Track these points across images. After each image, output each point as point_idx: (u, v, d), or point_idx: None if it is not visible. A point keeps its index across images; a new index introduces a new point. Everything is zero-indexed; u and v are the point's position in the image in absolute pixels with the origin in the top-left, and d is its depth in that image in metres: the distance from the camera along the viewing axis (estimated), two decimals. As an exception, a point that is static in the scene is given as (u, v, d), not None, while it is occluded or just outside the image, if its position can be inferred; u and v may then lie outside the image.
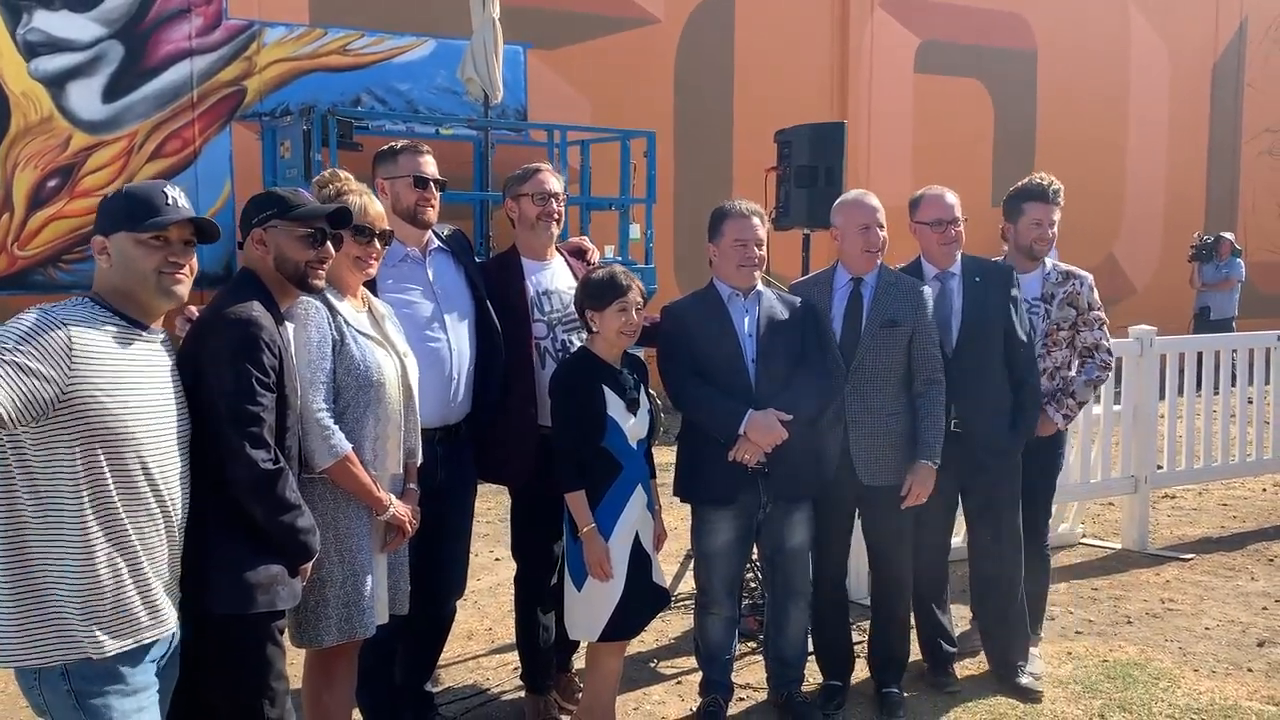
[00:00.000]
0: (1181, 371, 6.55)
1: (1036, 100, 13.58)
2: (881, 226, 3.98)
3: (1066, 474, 5.99)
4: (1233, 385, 7.05)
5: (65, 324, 2.25)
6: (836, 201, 4.16)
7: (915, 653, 4.38)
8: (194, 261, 2.45)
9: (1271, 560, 6.10)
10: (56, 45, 8.38)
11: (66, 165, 8.46)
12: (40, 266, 8.41)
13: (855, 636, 4.36)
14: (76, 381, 2.22)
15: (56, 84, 8.41)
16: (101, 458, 2.27)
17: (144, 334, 2.42)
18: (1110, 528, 6.65)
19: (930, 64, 12.73)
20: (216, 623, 2.61)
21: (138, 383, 2.35)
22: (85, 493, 2.25)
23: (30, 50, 8.30)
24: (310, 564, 2.79)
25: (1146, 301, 13.33)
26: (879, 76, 12.36)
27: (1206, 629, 5.00)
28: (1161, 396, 6.43)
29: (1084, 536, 6.44)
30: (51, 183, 8.39)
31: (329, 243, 2.81)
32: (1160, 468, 6.50)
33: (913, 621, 4.36)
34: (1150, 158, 14.62)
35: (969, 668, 4.46)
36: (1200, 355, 6.72)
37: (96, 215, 2.45)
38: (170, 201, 2.42)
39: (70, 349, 2.22)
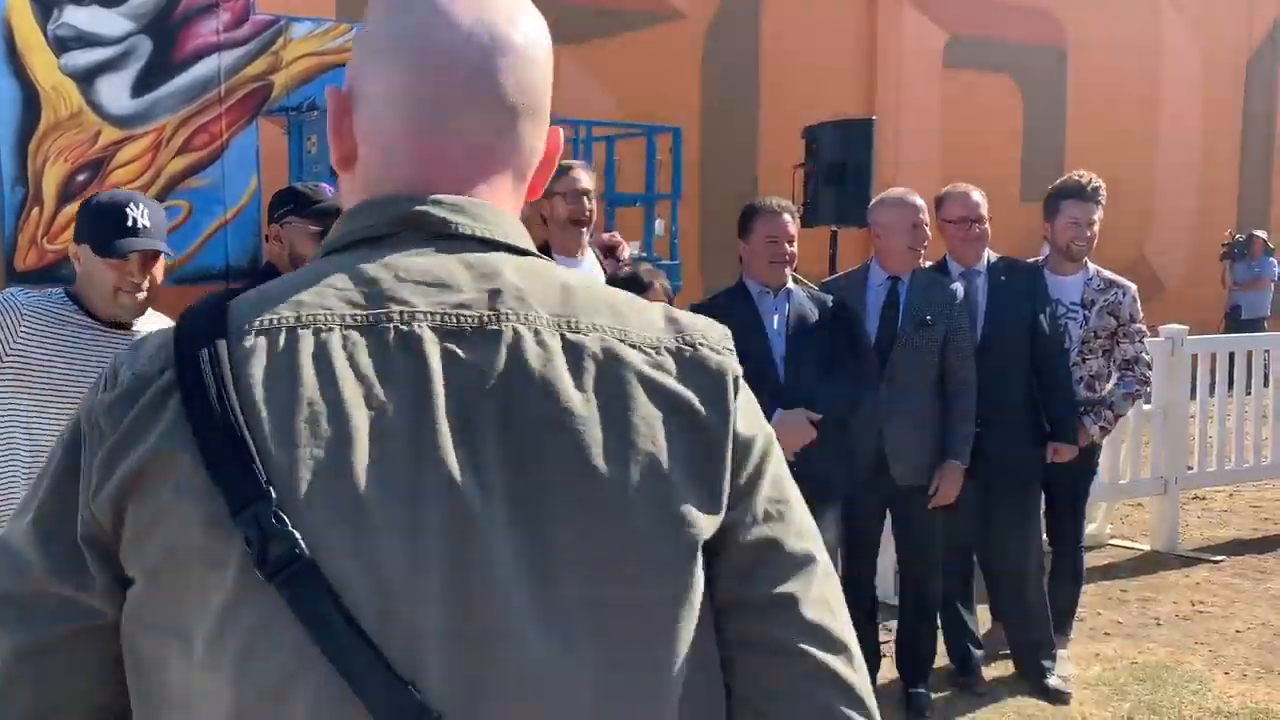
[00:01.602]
0: (1213, 372, 6.47)
1: (1066, 96, 13.45)
2: (927, 224, 3.96)
3: (1096, 474, 5.96)
4: (1265, 386, 6.95)
5: (29, 302, 2.51)
6: (878, 199, 4.12)
7: (943, 655, 4.36)
8: (157, 271, 2.57)
9: (1304, 563, 6.02)
10: (86, 40, 8.44)
11: (96, 159, 8.52)
12: (69, 260, 8.45)
13: (882, 636, 4.33)
14: (20, 351, 2.44)
15: (86, 79, 8.47)
16: (46, 432, 2.43)
17: (107, 329, 2.55)
18: (1139, 529, 6.58)
19: (959, 59, 12.63)
20: None
21: (94, 368, 2.49)
22: (25, 462, 2.43)
23: (60, 45, 8.36)
24: None
25: (1177, 300, 13.17)
26: (907, 72, 12.27)
27: (1237, 632, 4.94)
28: (1192, 396, 6.36)
29: (1112, 537, 6.38)
30: (81, 177, 8.45)
31: None
32: (1190, 469, 6.42)
33: (939, 622, 4.33)
34: (1182, 155, 14.45)
35: (996, 669, 4.43)
36: (1232, 355, 6.64)
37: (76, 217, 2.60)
38: (132, 222, 2.49)
39: (21, 319, 2.46)
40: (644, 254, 9.01)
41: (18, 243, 8.29)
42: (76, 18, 8.39)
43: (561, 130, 1.04)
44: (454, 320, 0.86)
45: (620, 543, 0.84)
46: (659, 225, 9.23)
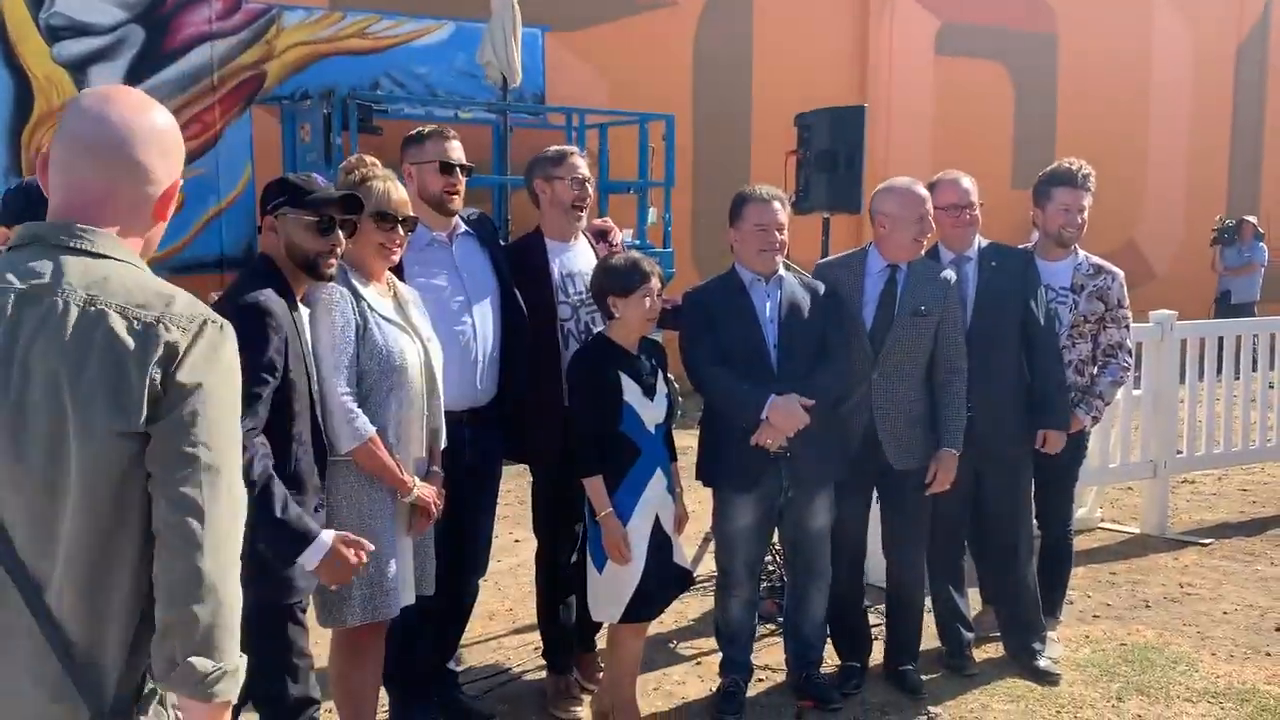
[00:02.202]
0: (1202, 357, 6.53)
1: (1057, 83, 13.48)
2: (932, 214, 3.99)
3: (1085, 459, 6.00)
4: (1254, 370, 7.01)
5: None
6: (884, 187, 4.06)
7: (934, 637, 4.42)
8: None
9: (1291, 545, 6.09)
10: (78, 29, 8.44)
11: (89, 149, 8.51)
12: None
13: (872, 619, 4.39)
14: None
15: (79, 68, 8.47)
16: None
17: None
18: (1129, 512, 6.64)
19: (950, 47, 12.66)
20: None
21: None
22: None
23: (53, 34, 8.36)
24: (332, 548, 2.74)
25: (1167, 286, 13.25)
26: (899, 59, 12.30)
27: (1225, 613, 5.00)
28: (1182, 381, 6.41)
29: (1102, 521, 6.44)
30: (74, 166, 8.45)
31: (339, 230, 2.82)
32: (1180, 453, 6.49)
33: (930, 605, 4.39)
34: (1172, 141, 14.51)
35: (987, 651, 4.48)
36: (1221, 340, 6.69)
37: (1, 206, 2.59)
38: None
39: None
40: (637, 241, 9.05)
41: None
42: (68, 7, 8.38)
43: (181, 182, 1.71)
44: (30, 293, 1.53)
45: (70, 430, 1.50)
46: (652, 213, 9.27)
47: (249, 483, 2.54)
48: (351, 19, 9.38)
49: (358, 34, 9.42)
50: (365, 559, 2.74)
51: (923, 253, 4.04)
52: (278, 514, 2.57)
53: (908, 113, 12.34)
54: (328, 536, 2.67)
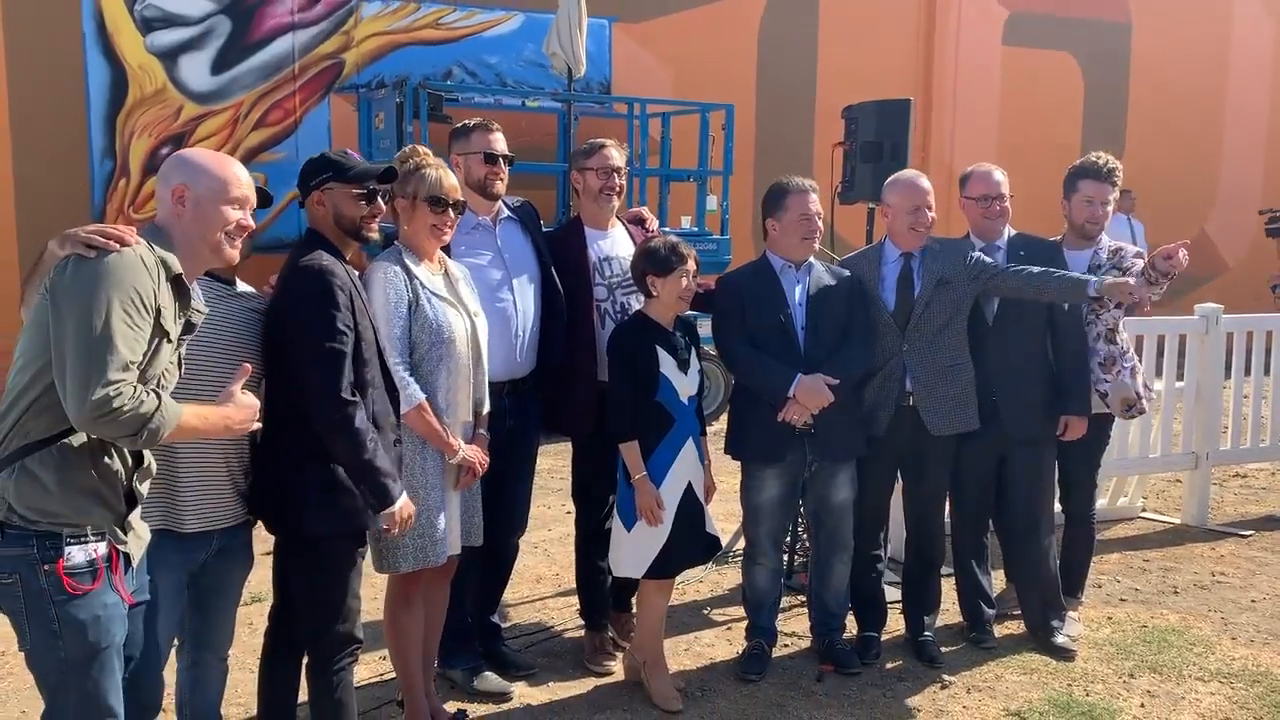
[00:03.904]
0: (1249, 350, 6.55)
1: (1129, 74, 13.31)
2: (931, 208, 4.17)
3: (1126, 448, 6.09)
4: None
5: None
6: (890, 180, 4.31)
7: (956, 614, 4.60)
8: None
9: (1333, 540, 6.10)
10: (170, 20, 8.92)
11: (178, 134, 9.01)
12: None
13: (889, 592, 4.57)
14: None
15: (169, 57, 8.96)
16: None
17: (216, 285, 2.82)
18: (1174, 503, 6.69)
19: (1019, 37, 12.60)
20: (309, 543, 2.97)
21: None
22: None
23: (146, 25, 8.86)
24: (396, 514, 3.03)
25: (1239, 278, 13.04)
26: (965, 50, 12.28)
27: (1253, 601, 5.08)
28: (1228, 375, 6.44)
29: (1144, 510, 6.51)
30: (164, 150, 8.94)
31: (379, 199, 3.13)
32: (1224, 446, 6.51)
33: (954, 583, 4.57)
34: (1249, 131, 14.21)
35: (1009, 628, 4.64)
36: (1270, 334, 6.69)
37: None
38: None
39: None
40: (696, 228, 9.27)
41: (106, 212, 8.82)
42: (161, -1, 8.87)
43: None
44: None
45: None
46: (711, 200, 9.47)
47: (357, 443, 2.87)
48: (426, 10, 9.74)
49: (432, 24, 9.79)
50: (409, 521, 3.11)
51: (924, 243, 4.20)
52: (379, 464, 2.92)
53: (974, 104, 12.32)
54: (402, 496, 3.04)
